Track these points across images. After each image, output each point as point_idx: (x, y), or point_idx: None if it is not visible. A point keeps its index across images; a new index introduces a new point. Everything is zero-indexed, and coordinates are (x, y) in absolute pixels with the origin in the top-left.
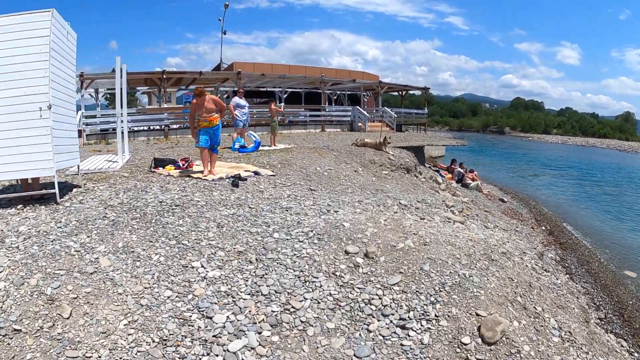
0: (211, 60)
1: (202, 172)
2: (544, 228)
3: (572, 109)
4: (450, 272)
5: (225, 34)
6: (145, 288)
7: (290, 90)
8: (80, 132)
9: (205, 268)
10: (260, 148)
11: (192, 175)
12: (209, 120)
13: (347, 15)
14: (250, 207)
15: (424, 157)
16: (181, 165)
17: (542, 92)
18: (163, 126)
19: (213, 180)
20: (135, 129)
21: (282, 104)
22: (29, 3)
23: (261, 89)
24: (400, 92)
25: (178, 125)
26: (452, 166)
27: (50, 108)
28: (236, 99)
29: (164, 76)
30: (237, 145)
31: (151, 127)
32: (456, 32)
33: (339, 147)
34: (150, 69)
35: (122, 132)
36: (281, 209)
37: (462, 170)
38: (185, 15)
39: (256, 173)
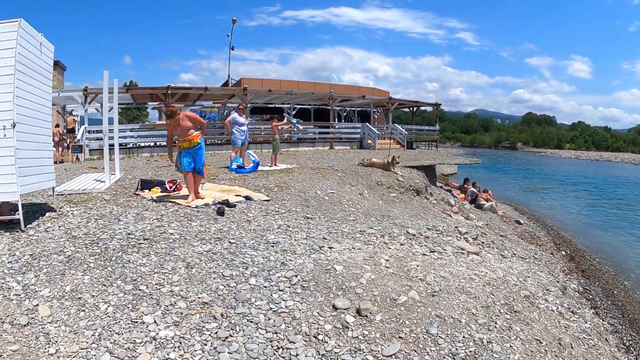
0: (223, 76)
1: (188, 196)
2: (564, 253)
3: (584, 123)
4: (464, 337)
5: (233, 49)
6: (82, 349)
7: (299, 106)
8: (81, 147)
9: (157, 325)
10: (260, 168)
11: (175, 201)
12: (188, 139)
13: (358, 32)
14: (230, 242)
15: (435, 176)
16: (168, 187)
17: (553, 107)
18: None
19: (197, 207)
20: (142, 144)
21: (295, 119)
22: (39, 18)
23: (269, 106)
24: (411, 108)
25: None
26: (465, 185)
27: (14, 127)
28: (234, 115)
29: (169, 92)
30: (234, 166)
31: (157, 143)
32: (466, 48)
33: (344, 167)
34: (163, 84)
35: (113, 149)
36: (266, 245)
37: (475, 190)
38: (198, 32)
39: (248, 198)
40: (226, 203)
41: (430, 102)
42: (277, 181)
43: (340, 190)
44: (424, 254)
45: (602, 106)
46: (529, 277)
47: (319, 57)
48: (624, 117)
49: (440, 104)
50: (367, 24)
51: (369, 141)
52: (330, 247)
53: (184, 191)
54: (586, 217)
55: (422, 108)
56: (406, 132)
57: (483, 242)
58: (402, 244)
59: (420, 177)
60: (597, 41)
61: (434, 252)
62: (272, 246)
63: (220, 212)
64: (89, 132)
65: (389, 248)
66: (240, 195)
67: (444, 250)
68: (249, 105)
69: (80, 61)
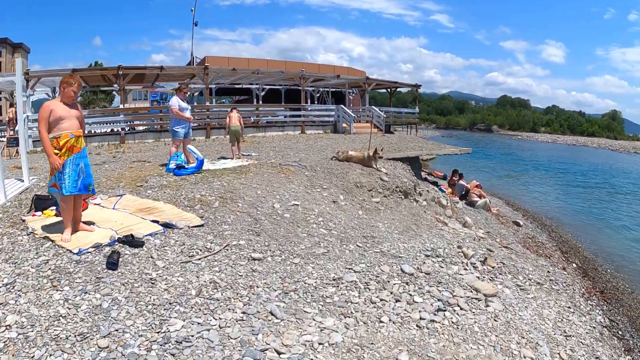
0: (196, 57)
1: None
2: (575, 266)
3: (558, 107)
4: None
5: (196, 25)
6: None
7: (268, 87)
8: (17, 140)
9: None
10: (222, 164)
11: (56, 240)
12: (77, 136)
13: (332, 12)
14: (100, 348)
15: (421, 166)
16: None
17: (527, 90)
18: (120, 129)
19: (81, 251)
20: (94, 132)
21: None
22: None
23: (236, 86)
24: (388, 89)
25: (145, 128)
26: (454, 178)
27: None
28: (176, 100)
29: (120, 72)
30: (172, 165)
31: (114, 130)
32: (442, 30)
33: (315, 162)
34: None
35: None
36: (163, 349)
37: (465, 184)
38: (169, 12)
39: (167, 226)
40: (129, 241)
41: (409, 82)
42: (223, 189)
43: (308, 198)
44: (433, 320)
45: (575, 91)
46: (565, 328)
47: (292, 37)
48: (596, 102)
49: (420, 85)
50: (342, 3)
51: (344, 125)
52: (279, 352)
53: (91, 211)
54: (583, 212)
55: (399, 89)
56: (384, 115)
57: (493, 267)
58: (398, 300)
59: (407, 173)
60: (572, 27)
61: (445, 310)
62: (173, 356)
63: (112, 264)
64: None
65: (381, 320)
66: (158, 222)
67: (456, 301)
68: (213, 86)
69: (48, 43)
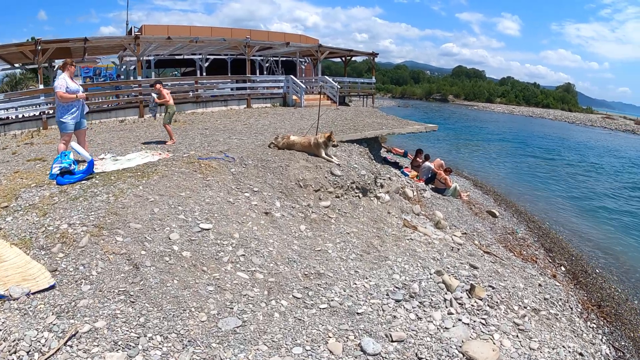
0: (134, 27)
1: None
2: (563, 269)
3: (513, 78)
4: None
5: None
6: None
7: (212, 57)
8: None
9: None
10: (128, 160)
11: None
12: None
13: None
14: None
15: (380, 147)
16: None
17: (481, 61)
18: (40, 114)
19: None
20: (13, 117)
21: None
22: None
23: (177, 57)
24: (343, 58)
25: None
26: (418, 159)
27: None
28: (64, 79)
29: (39, 47)
30: (56, 170)
31: (45, 113)
32: (398, 0)
33: (248, 151)
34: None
35: None
36: None
37: (431, 166)
38: None
39: None
40: None
41: (365, 51)
42: (106, 208)
43: (229, 212)
44: None
45: (529, 63)
46: None
47: (245, 5)
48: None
49: (377, 54)
50: None
51: (294, 97)
52: None
53: None
54: (555, 192)
55: (353, 59)
56: (338, 86)
57: (482, 299)
58: None
59: (365, 161)
60: (528, 1)
61: None
62: None
63: None
64: None
65: None
66: None
67: None
68: (151, 57)
69: None
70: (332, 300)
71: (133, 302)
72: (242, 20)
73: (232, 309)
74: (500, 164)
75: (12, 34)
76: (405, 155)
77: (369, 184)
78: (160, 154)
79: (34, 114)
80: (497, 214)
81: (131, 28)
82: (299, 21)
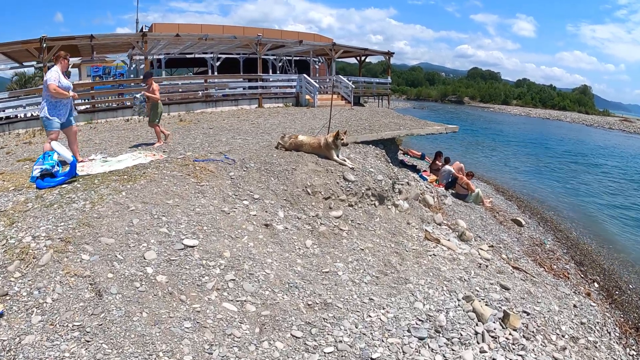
0: (145, 25)
1: None
2: (597, 285)
3: (529, 80)
4: None
5: None
6: None
7: (224, 56)
8: None
9: None
10: (118, 161)
11: None
12: None
13: None
14: None
15: (398, 148)
16: None
17: (497, 63)
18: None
19: None
20: (21, 115)
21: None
22: None
23: (188, 56)
24: (358, 58)
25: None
26: (437, 162)
27: None
28: (57, 72)
29: (43, 45)
30: (37, 172)
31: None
32: (412, 1)
33: (252, 152)
34: None
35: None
36: None
37: (452, 169)
38: None
39: None
40: None
41: (381, 50)
42: (79, 218)
43: (221, 224)
44: None
45: (544, 65)
46: None
47: (260, 7)
48: (565, 77)
49: (393, 53)
50: None
51: (307, 97)
52: None
53: None
54: (579, 198)
55: (368, 60)
56: (353, 86)
57: (517, 329)
58: None
59: (381, 164)
60: (543, 2)
61: None
62: None
63: None
64: None
65: None
66: None
67: None
68: (162, 56)
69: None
70: (340, 340)
71: (88, 341)
72: (257, 22)
73: (211, 354)
74: (520, 167)
75: (28, 35)
76: (422, 157)
77: (386, 190)
78: (154, 154)
79: (38, 113)
80: (523, 222)
81: (142, 27)
82: (313, 22)
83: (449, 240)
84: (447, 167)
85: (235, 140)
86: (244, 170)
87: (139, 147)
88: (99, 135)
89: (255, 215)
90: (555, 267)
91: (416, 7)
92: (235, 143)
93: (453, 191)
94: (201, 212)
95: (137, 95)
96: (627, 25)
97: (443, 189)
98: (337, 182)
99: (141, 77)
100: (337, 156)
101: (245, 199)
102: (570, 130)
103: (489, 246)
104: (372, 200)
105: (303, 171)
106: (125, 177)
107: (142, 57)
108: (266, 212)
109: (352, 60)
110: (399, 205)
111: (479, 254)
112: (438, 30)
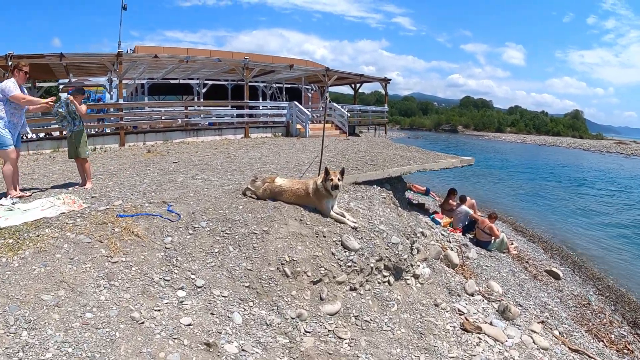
0: (130, 49)
1: None
2: None
3: (521, 107)
4: None
5: (125, 9)
6: None
7: (210, 82)
8: None
9: None
10: (35, 207)
11: None
12: None
13: (295, 14)
14: None
15: (405, 187)
16: None
17: (488, 91)
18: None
19: None
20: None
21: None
22: None
23: (171, 81)
24: (353, 85)
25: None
26: (451, 202)
27: None
28: (14, 83)
29: (9, 62)
30: None
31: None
32: (403, 33)
33: (212, 199)
34: None
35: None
36: None
37: (469, 211)
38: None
39: None
40: None
41: (377, 76)
42: None
43: (125, 344)
44: None
45: (534, 92)
46: None
47: (255, 39)
48: (555, 103)
49: (390, 80)
50: (304, 6)
51: (298, 126)
52: None
53: None
54: (607, 233)
55: (360, 90)
56: (348, 114)
57: None
58: None
59: (393, 214)
60: (532, 30)
61: None
62: None
63: None
64: None
65: None
66: None
67: None
68: (144, 81)
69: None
70: None
71: None
72: (252, 53)
73: None
74: (530, 198)
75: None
76: (427, 193)
77: (404, 259)
78: (74, 202)
79: None
80: (561, 274)
81: (122, 47)
82: (307, 54)
83: (490, 323)
84: (464, 207)
85: (195, 181)
86: (190, 234)
87: (67, 189)
88: (49, 167)
89: (190, 324)
90: (611, 335)
91: (408, 39)
92: (192, 186)
93: (470, 236)
94: (88, 324)
95: (62, 97)
96: (614, 48)
97: (460, 234)
98: (333, 254)
99: (119, 101)
100: (333, 208)
101: (181, 288)
102: (568, 156)
103: (539, 322)
104: (384, 277)
105: (280, 235)
106: (11, 241)
107: (128, 81)
108: (212, 314)
109: (346, 90)
110: (420, 275)
111: (534, 341)
112: (429, 61)
